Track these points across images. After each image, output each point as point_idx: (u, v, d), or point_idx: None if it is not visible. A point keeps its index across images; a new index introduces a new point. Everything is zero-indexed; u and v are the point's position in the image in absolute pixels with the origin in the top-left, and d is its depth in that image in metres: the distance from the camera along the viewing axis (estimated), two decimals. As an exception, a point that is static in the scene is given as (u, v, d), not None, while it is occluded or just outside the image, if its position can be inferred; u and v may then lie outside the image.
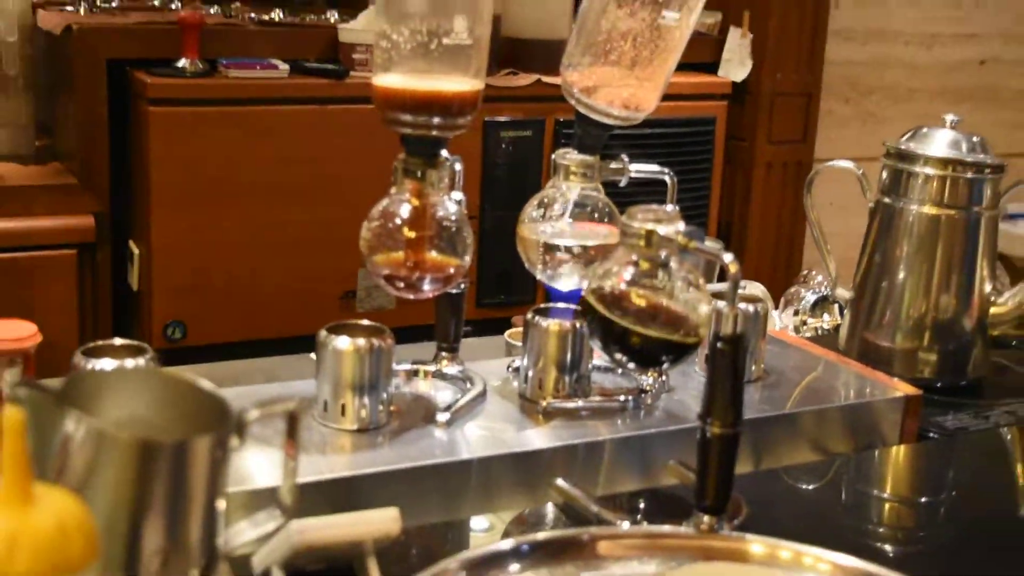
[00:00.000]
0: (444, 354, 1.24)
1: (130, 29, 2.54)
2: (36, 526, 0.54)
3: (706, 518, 0.94)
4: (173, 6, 2.77)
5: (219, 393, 0.71)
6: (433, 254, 1.11)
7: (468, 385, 1.21)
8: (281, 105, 2.48)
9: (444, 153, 1.10)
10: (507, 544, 0.85)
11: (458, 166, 1.13)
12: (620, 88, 1.17)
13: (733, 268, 0.91)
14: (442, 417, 1.14)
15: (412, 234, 1.10)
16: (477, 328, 2.58)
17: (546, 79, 2.64)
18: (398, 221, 1.10)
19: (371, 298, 2.51)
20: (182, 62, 2.45)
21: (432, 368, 1.23)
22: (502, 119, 2.61)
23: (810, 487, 1.19)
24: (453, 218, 1.12)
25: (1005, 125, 3.55)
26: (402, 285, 1.11)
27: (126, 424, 0.70)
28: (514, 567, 0.84)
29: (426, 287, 1.12)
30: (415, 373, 1.23)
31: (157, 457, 0.67)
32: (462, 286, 1.20)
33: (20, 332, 1.02)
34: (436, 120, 1.07)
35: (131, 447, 0.66)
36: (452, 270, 1.13)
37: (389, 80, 1.07)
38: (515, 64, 2.70)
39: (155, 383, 0.73)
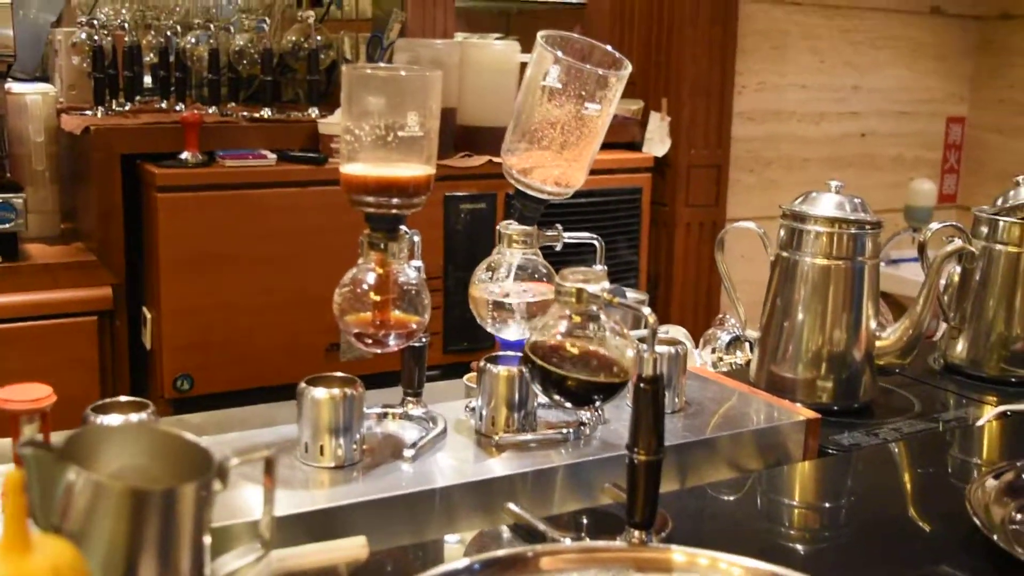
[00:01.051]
0: (410, 399, 1.22)
1: (140, 128, 2.52)
2: (34, 570, 0.52)
3: (636, 533, 0.93)
4: (177, 108, 2.76)
5: (202, 444, 0.68)
6: (396, 313, 1.10)
7: (431, 425, 1.19)
8: (269, 188, 2.46)
9: (403, 228, 1.09)
10: (462, 563, 0.83)
11: (416, 238, 1.12)
12: (552, 168, 1.16)
13: (651, 319, 0.90)
14: (408, 453, 1.12)
15: (377, 297, 1.08)
16: (444, 372, 2.56)
17: (495, 159, 2.64)
18: (365, 287, 1.09)
19: (352, 349, 2.48)
20: (185, 155, 2.43)
21: (399, 411, 1.21)
22: (460, 194, 2.61)
23: (729, 500, 1.17)
24: (413, 282, 1.11)
25: (883, 186, 3.59)
26: (370, 341, 1.10)
27: (121, 474, 0.68)
28: (470, 584, 0.82)
29: (391, 342, 1.11)
30: (385, 415, 1.21)
31: (148, 503, 0.64)
32: (423, 340, 1.19)
33: (37, 393, 0.99)
34: (395, 200, 1.06)
35: (125, 495, 0.64)
36: (414, 326, 1.11)
37: (353, 168, 1.06)
38: (469, 148, 2.71)
39: (147, 437, 0.70)
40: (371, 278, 1.09)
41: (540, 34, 1.15)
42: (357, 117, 1.05)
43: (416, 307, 1.10)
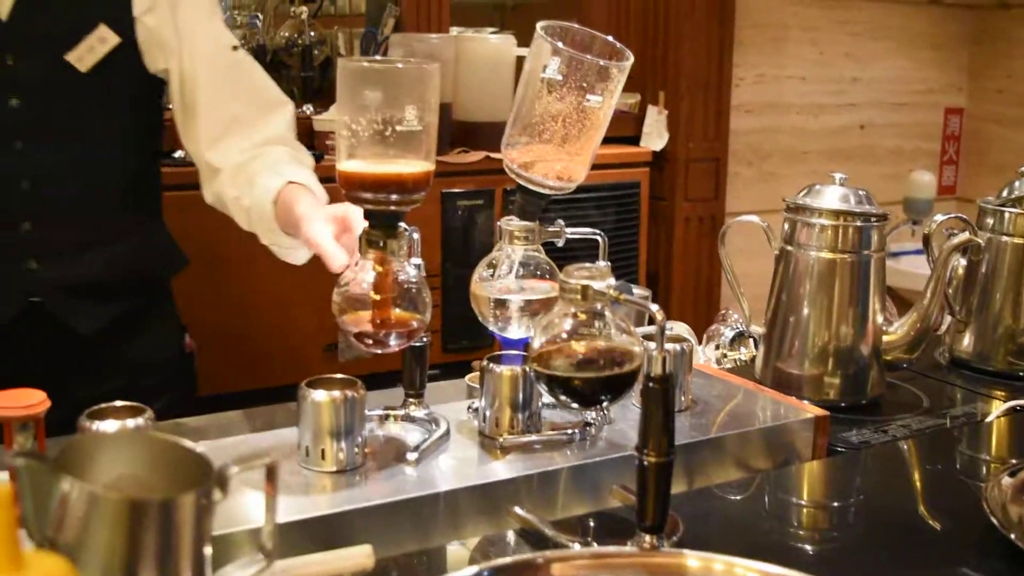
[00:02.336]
0: (412, 400, 1.20)
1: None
2: (27, 589, 0.50)
3: (647, 537, 0.91)
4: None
5: (201, 451, 0.66)
6: (397, 312, 1.08)
7: (434, 426, 1.17)
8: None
9: (402, 225, 1.07)
10: (471, 571, 0.81)
11: (416, 235, 1.10)
12: (553, 162, 1.14)
13: (659, 316, 0.88)
14: (411, 456, 1.09)
15: (377, 296, 1.06)
16: (444, 371, 2.54)
17: (493, 155, 2.62)
18: (364, 285, 1.07)
19: (350, 349, 2.45)
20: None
21: (401, 412, 1.19)
22: (457, 190, 2.59)
23: (738, 500, 1.16)
24: (413, 280, 1.09)
25: (882, 178, 3.57)
26: (371, 341, 1.08)
27: (118, 484, 0.66)
28: (478, 592, 0.80)
29: (392, 342, 1.09)
30: (387, 417, 1.19)
31: (146, 514, 0.62)
32: (424, 339, 1.16)
33: (30, 399, 0.97)
34: (394, 197, 1.04)
35: (121, 506, 0.62)
36: (415, 325, 1.10)
37: (351, 165, 1.04)
38: (466, 143, 2.69)
39: (145, 445, 0.68)
40: (370, 276, 1.07)
41: (539, 24, 1.13)
42: (353, 112, 1.02)
43: (417, 305, 1.08)
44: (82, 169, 1.43)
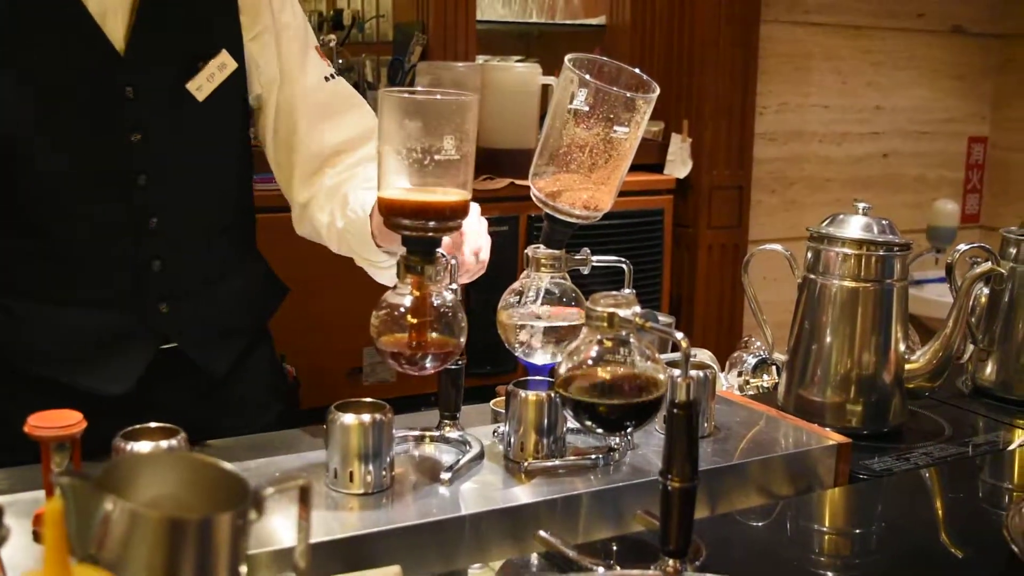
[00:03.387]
0: (447, 422, 1.22)
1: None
2: (75, 603, 0.52)
3: (671, 561, 0.92)
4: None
5: (238, 472, 0.68)
6: (433, 336, 1.09)
7: (467, 447, 1.18)
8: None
9: (440, 251, 1.09)
10: (497, 593, 0.82)
11: (453, 262, 1.12)
12: (580, 191, 1.16)
13: (684, 344, 0.90)
14: (445, 476, 1.11)
15: (414, 320, 1.08)
16: (467, 395, 2.56)
17: (518, 182, 2.64)
18: (402, 309, 1.09)
19: (375, 373, 2.48)
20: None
21: (436, 434, 1.22)
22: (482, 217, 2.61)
23: (760, 527, 1.16)
24: (449, 305, 1.11)
25: (905, 206, 3.57)
26: (406, 363, 1.09)
27: (157, 503, 0.68)
28: (504, 613, 0.81)
29: (428, 364, 1.10)
30: (422, 438, 1.21)
31: (185, 533, 0.64)
32: (459, 363, 1.18)
33: (67, 420, 0.99)
34: (431, 224, 1.06)
35: (161, 524, 0.63)
36: (451, 348, 1.11)
37: (390, 192, 1.06)
38: (491, 170, 2.71)
39: (183, 465, 0.70)
40: (408, 301, 1.09)
41: (568, 57, 1.15)
42: (393, 141, 1.05)
43: (452, 329, 1.10)
44: (200, 202, 1.38)
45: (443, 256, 1.09)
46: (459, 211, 1.07)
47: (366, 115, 1.52)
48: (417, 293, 1.08)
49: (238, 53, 1.38)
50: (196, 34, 1.36)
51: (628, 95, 1.13)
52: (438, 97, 1.06)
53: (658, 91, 1.16)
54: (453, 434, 1.21)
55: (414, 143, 1.03)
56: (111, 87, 1.29)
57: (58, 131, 1.29)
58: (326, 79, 1.49)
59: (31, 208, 1.31)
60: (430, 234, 1.06)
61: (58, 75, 1.28)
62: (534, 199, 1.19)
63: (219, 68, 1.35)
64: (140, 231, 1.34)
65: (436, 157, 1.03)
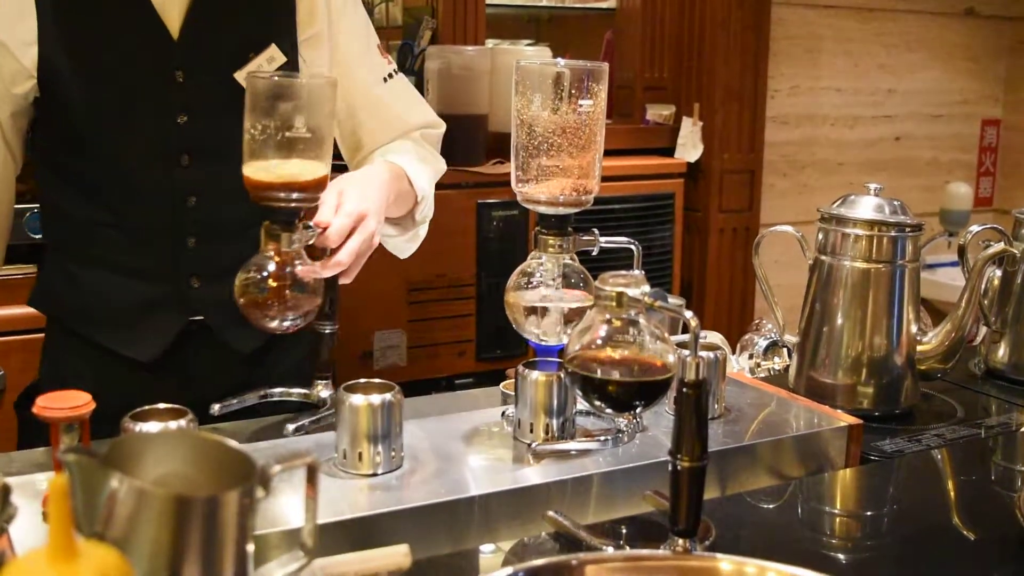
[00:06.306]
0: (319, 382, 1.29)
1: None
2: (80, 578, 0.52)
3: (680, 541, 0.91)
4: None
5: (245, 451, 0.68)
6: (289, 293, 1.17)
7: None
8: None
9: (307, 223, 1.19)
10: (506, 572, 0.82)
11: (318, 231, 1.21)
12: (564, 179, 1.16)
13: (693, 323, 0.89)
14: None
15: (273, 284, 1.17)
16: (478, 379, 2.55)
17: (528, 166, 2.63)
18: (264, 273, 1.17)
19: (385, 357, 2.48)
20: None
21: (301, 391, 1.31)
22: (492, 201, 2.60)
23: (770, 508, 1.16)
24: (307, 269, 1.19)
25: (918, 189, 3.55)
26: (268, 322, 1.18)
27: (164, 481, 0.68)
28: (513, 592, 0.81)
29: (286, 323, 1.18)
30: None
31: (191, 510, 0.64)
32: (329, 328, 1.27)
33: (76, 401, 0.99)
34: (291, 196, 1.15)
35: (168, 502, 0.63)
36: (307, 308, 1.19)
37: (250, 169, 1.15)
38: (500, 154, 2.70)
39: (189, 444, 0.70)
40: (271, 266, 1.16)
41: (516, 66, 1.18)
42: (252, 119, 1.13)
43: (306, 290, 1.18)
44: (237, 186, 1.45)
45: (306, 227, 1.19)
46: (312, 185, 1.15)
47: (425, 113, 1.58)
48: (277, 259, 1.16)
49: (288, 49, 1.42)
50: (249, 26, 1.40)
51: (566, 64, 1.15)
52: (287, 80, 1.16)
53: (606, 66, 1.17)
54: (325, 393, 1.28)
55: (269, 121, 1.13)
56: (163, 70, 1.35)
57: (114, 108, 1.35)
58: (384, 79, 1.54)
59: (90, 176, 1.39)
60: (292, 204, 1.15)
61: (115, 56, 1.34)
62: (527, 206, 1.19)
63: (268, 61, 1.40)
64: (178, 208, 1.39)
65: (288, 135, 1.13)
